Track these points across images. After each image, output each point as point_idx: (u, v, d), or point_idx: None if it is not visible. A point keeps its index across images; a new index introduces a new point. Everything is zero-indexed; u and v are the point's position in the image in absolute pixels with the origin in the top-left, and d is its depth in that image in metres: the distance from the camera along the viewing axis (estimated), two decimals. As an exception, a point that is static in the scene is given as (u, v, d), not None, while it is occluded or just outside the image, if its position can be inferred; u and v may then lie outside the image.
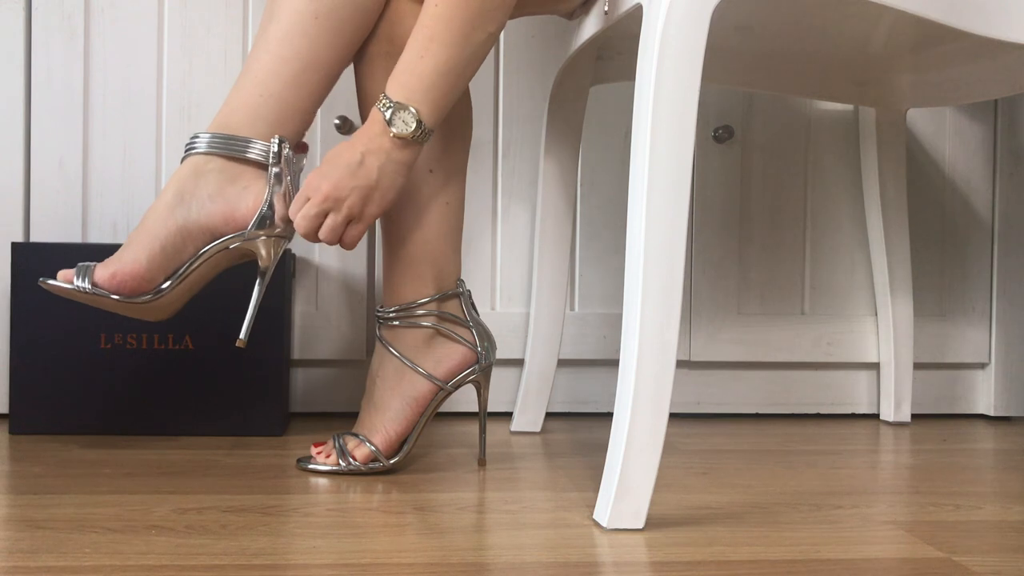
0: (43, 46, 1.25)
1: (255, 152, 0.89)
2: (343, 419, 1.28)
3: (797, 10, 1.05)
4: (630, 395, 0.75)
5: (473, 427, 1.25)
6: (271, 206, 0.89)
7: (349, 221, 0.88)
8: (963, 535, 0.77)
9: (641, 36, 0.77)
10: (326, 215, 0.87)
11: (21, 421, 1.13)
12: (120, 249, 0.89)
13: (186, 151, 0.90)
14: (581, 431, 1.23)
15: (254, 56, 0.92)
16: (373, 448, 0.95)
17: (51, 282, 0.90)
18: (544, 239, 1.21)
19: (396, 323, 0.97)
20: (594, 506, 0.80)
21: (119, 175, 1.27)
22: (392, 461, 0.96)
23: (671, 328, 0.75)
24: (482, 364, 0.99)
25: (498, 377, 1.33)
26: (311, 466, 0.97)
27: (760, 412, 1.40)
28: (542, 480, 0.95)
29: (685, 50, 0.75)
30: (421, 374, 0.96)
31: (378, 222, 0.98)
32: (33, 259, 1.12)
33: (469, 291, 1.01)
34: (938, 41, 1.14)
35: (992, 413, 1.41)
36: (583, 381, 1.36)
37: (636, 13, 0.80)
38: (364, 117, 0.98)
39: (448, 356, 0.98)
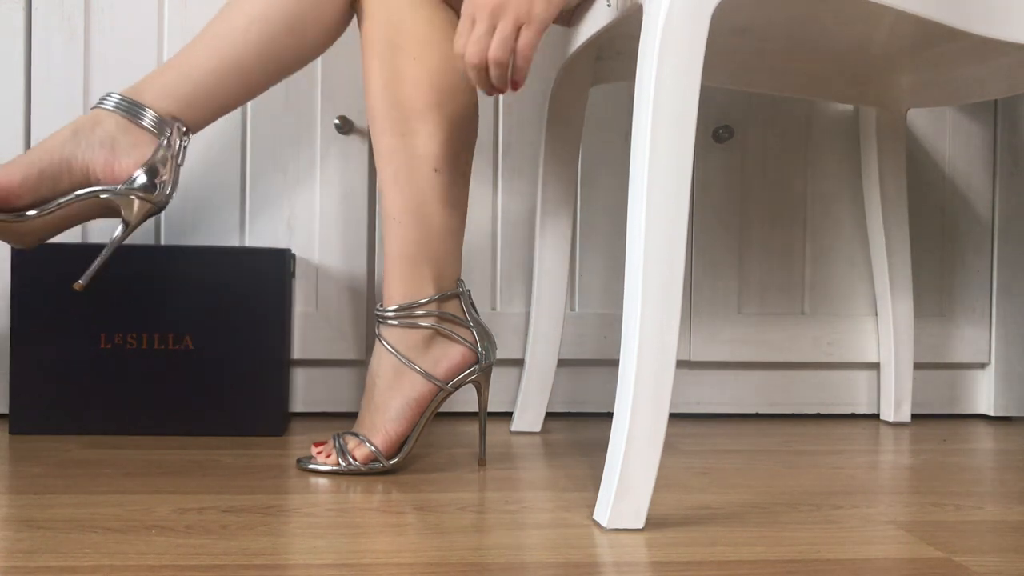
0: (43, 46, 1.25)
1: (149, 122, 0.93)
2: (343, 419, 1.28)
3: (797, 10, 1.05)
4: (630, 395, 0.75)
5: (473, 427, 1.25)
6: (150, 172, 0.92)
7: (518, 28, 0.83)
8: (963, 535, 0.77)
9: (641, 36, 0.77)
10: (494, 30, 0.83)
11: (21, 421, 1.13)
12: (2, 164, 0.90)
13: (98, 102, 0.93)
14: (581, 431, 1.23)
15: (194, 42, 0.96)
16: (373, 448, 0.95)
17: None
18: (544, 239, 1.21)
19: (395, 323, 0.97)
20: (594, 506, 0.80)
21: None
22: (392, 462, 0.95)
23: (671, 328, 0.75)
24: (482, 364, 0.99)
25: (498, 377, 1.33)
26: (311, 466, 0.97)
27: (760, 412, 1.40)
28: (542, 480, 0.95)
29: (685, 50, 0.75)
30: (421, 374, 0.96)
31: (379, 221, 0.98)
32: (33, 259, 1.12)
33: (469, 291, 1.01)
34: (938, 41, 1.14)
35: (992, 413, 1.41)
36: (583, 381, 1.36)
37: (636, 13, 0.80)
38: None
39: (447, 356, 0.98)
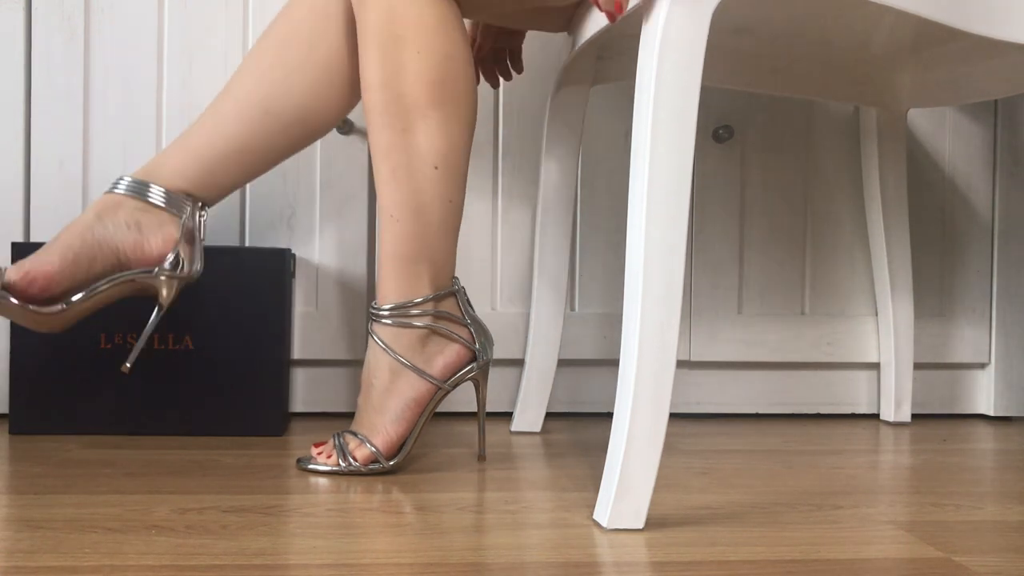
0: (43, 46, 1.25)
1: (167, 201, 0.96)
2: (343, 419, 1.28)
3: (797, 10, 1.05)
4: (630, 395, 0.75)
5: (472, 427, 1.25)
6: (178, 255, 0.96)
7: None
8: (963, 535, 0.77)
9: (641, 36, 0.77)
10: None
11: (21, 421, 1.13)
12: (41, 250, 0.92)
13: (111, 187, 0.96)
14: (581, 431, 1.23)
15: (202, 120, 0.98)
16: (374, 449, 0.95)
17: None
18: (544, 239, 1.21)
19: (389, 322, 0.96)
20: (594, 506, 0.80)
21: (119, 175, 1.26)
22: (392, 463, 0.95)
23: (671, 328, 0.75)
24: (480, 362, 0.99)
25: (498, 377, 1.33)
26: (311, 466, 0.96)
27: (760, 412, 1.40)
28: (542, 480, 0.95)
29: (685, 50, 0.75)
30: (418, 374, 0.96)
31: (379, 221, 0.98)
32: (33, 259, 1.12)
33: (464, 288, 1.00)
34: (938, 41, 1.14)
35: (992, 413, 1.41)
36: (583, 381, 1.36)
37: (636, 13, 0.80)
38: None
39: (444, 355, 0.97)
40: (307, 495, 0.87)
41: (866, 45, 1.17)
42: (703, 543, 0.73)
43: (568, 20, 1.09)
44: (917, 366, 1.40)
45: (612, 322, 1.35)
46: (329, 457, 0.96)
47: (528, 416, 1.22)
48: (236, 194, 1.28)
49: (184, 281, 0.97)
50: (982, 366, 1.43)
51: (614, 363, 1.35)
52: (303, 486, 0.90)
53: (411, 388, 0.96)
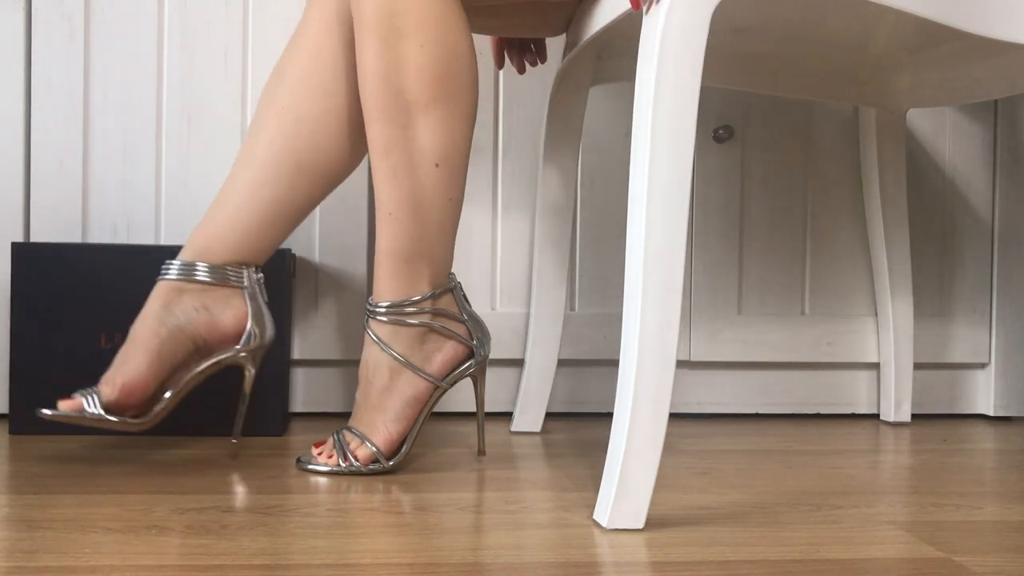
0: (43, 46, 1.25)
1: (223, 277, 0.97)
2: (343, 419, 1.28)
3: (797, 10, 1.05)
4: (630, 395, 0.75)
5: (471, 426, 1.25)
6: (256, 321, 0.98)
7: None
8: (963, 535, 0.77)
9: (641, 36, 0.77)
10: None
11: (21, 421, 1.13)
12: (115, 363, 0.93)
13: (166, 273, 0.96)
14: (581, 431, 1.23)
15: (235, 185, 0.97)
16: (375, 449, 0.94)
17: (52, 412, 0.92)
18: (544, 239, 1.21)
19: (385, 319, 0.95)
20: (594, 506, 0.80)
21: (119, 175, 1.27)
22: (391, 463, 0.95)
23: (671, 328, 0.75)
24: (477, 358, 0.98)
25: (498, 377, 1.33)
26: (311, 466, 0.96)
27: (760, 412, 1.40)
28: (542, 480, 0.95)
29: (685, 51, 0.75)
30: (417, 373, 0.95)
31: (376, 214, 0.97)
32: (33, 259, 1.12)
33: (460, 284, 1.00)
34: (938, 41, 1.14)
35: (992, 413, 1.41)
36: (583, 381, 1.36)
37: (635, 14, 0.80)
38: None
39: (442, 352, 0.97)
40: (307, 495, 0.87)
41: (866, 45, 1.17)
42: (703, 543, 0.73)
43: (567, 21, 1.09)
44: (917, 366, 1.40)
45: (612, 322, 1.35)
46: (330, 457, 0.96)
47: (528, 416, 1.22)
48: (236, 194, 1.28)
49: (264, 349, 0.99)
50: (982, 366, 1.43)
51: (614, 363, 1.35)
52: (303, 486, 0.90)
53: (410, 386, 0.95)
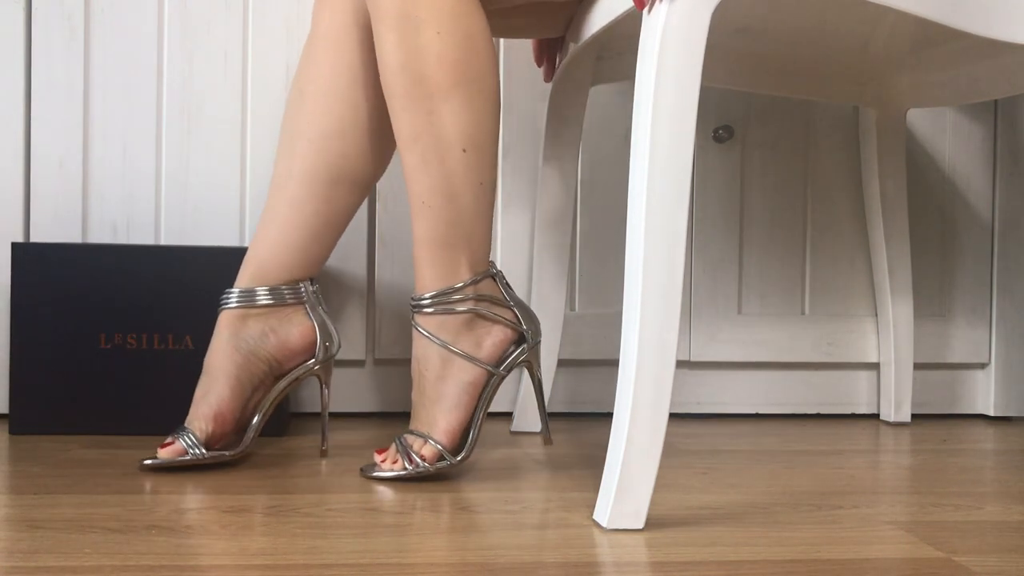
0: (43, 46, 1.25)
1: (292, 298, 1.00)
2: (343, 419, 1.28)
3: (797, 10, 1.05)
4: (630, 395, 0.75)
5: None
6: (323, 334, 1.00)
7: None
8: (963, 535, 0.77)
9: (641, 36, 0.77)
10: None
11: (21, 421, 1.13)
12: (196, 400, 0.97)
13: (227, 302, 0.98)
14: (581, 431, 1.23)
15: (276, 206, 0.99)
16: (439, 446, 0.92)
17: (154, 461, 0.94)
18: (544, 239, 1.21)
19: (431, 310, 0.94)
20: (594, 506, 0.80)
21: (119, 175, 1.27)
22: (459, 458, 0.93)
23: (671, 328, 0.75)
24: (529, 342, 0.97)
25: (498, 377, 1.33)
26: (376, 473, 0.94)
27: (760, 412, 1.40)
28: (542, 480, 0.95)
29: (685, 50, 0.75)
30: (469, 360, 0.94)
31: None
32: (33, 259, 1.12)
33: (501, 272, 0.99)
34: (938, 41, 1.14)
35: (992, 413, 1.41)
36: (583, 381, 1.36)
37: (636, 14, 0.80)
38: None
39: (490, 336, 0.95)
40: (307, 495, 0.87)
41: (866, 45, 1.17)
42: (703, 543, 0.73)
43: (567, 21, 1.09)
44: (917, 366, 1.40)
45: (612, 322, 1.35)
46: (395, 463, 0.94)
47: (528, 416, 1.22)
48: (235, 195, 1.28)
49: (333, 357, 1.02)
50: (982, 366, 1.43)
51: (614, 363, 1.35)
52: (303, 486, 0.90)
53: (464, 373, 0.94)
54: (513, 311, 0.97)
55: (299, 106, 1.00)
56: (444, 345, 0.93)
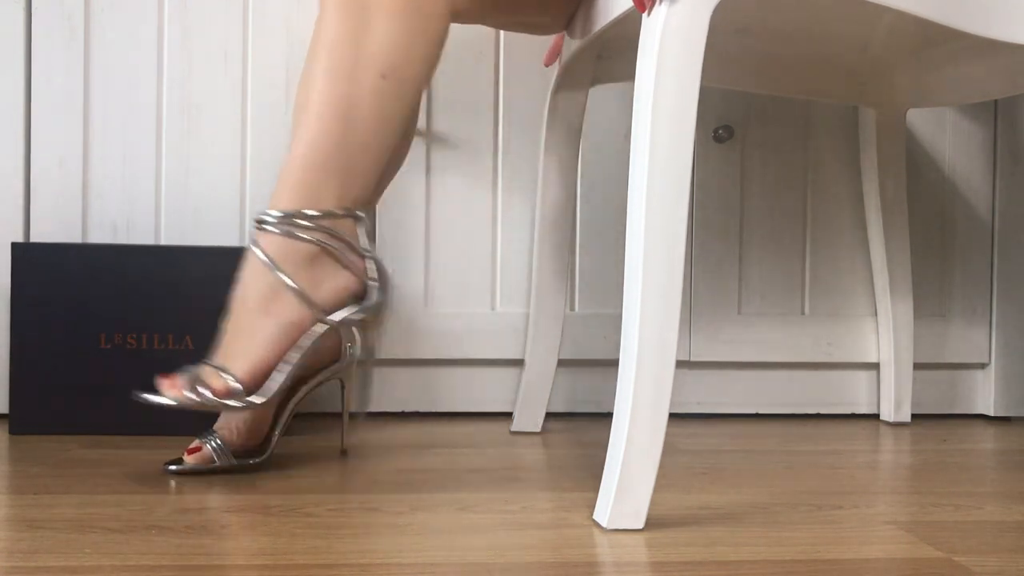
0: (43, 46, 1.25)
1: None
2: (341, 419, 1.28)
3: (797, 10, 1.05)
4: (630, 395, 0.75)
5: (472, 427, 1.25)
6: (347, 348, 0.93)
7: None
8: (963, 535, 0.77)
9: (641, 37, 0.77)
10: None
11: (21, 421, 1.13)
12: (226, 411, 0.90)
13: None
14: (581, 431, 1.23)
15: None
16: (233, 380, 0.83)
17: (178, 467, 0.91)
18: (544, 239, 1.21)
19: (276, 230, 0.85)
20: (594, 506, 0.80)
21: (119, 175, 1.27)
22: (253, 398, 0.84)
23: (671, 328, 0.75)
24: (370, 300, 0.89)
25: (498, 377, 1.33)
26: (145, 396, 0.83)
27: (760, 412, 1.40)
28: (542, 480, 0.95)
29: (685, 51, 0.75)
30: (301, 299, 0.85)
31: (294, 114, 0.90)
32: (33, 259, 1.12)
33: (372, 225, 0.91)
34: (938, 41, 1.14)
35: (992, 413, 1.41)
36: (583, 381, 1.36)
37: (636, 14, 0.80)
38: None
39: (333, 280, 0.87)
40: (307, 495, 0.87)
41: (866, 45, 1.17)
42: (703, 543, 0.73)
43: (568, 17, 1.09)
44: (917, 366, 1.40)
45: (612, 322, 1.35)
46: (174, 388, 0.83)
47: (528, 416, 1.22)
48: (236, 194, 1.28)
49: (355, 359, 0.94)
50: (982, 366, 1.43)
51: (614, 363, 1.35)
52: (303, 486, 0.90)
53: (290, 311, 0.85)
54: (365, 264, 0.89)
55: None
56: (279, 275, 0.85)
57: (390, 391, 1.33)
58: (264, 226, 0.86)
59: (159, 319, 1.13)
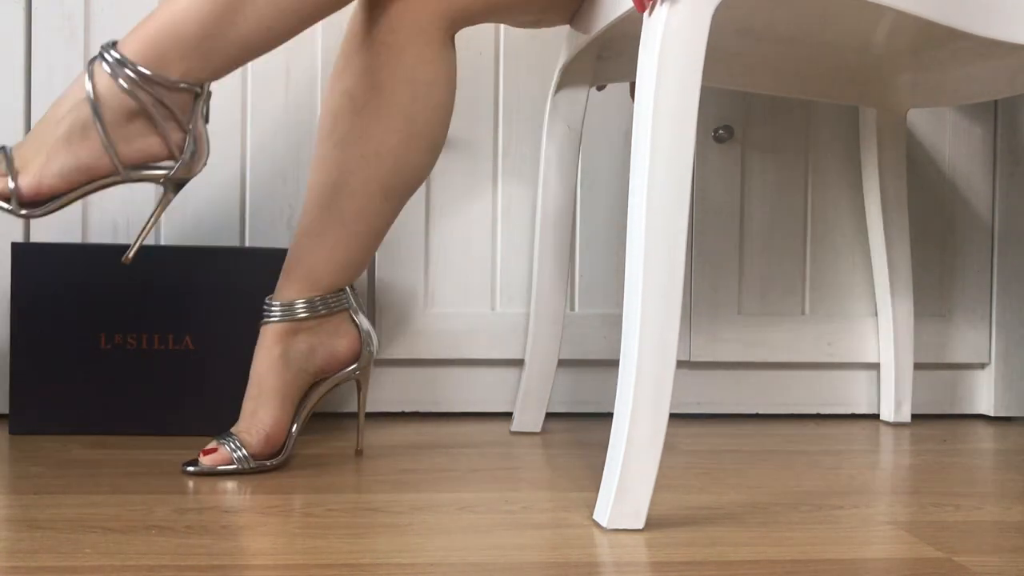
0: (43, 46, 1.25)
1: (337, 306, 0.98)
2: (344, 418, 1.28)
3: (797, 11, 1.05)
4: (630, 395, 0.75)
5: (472, 427, 1.25)
6: (364, 347, 1.01)
7: None
8: (963, 535, 0.77)
9: (642, 37, 0.77)
10: None
11: (21, 421, 1.13)
12: (248, 413, 0.96)
13: (265, 318, 0.97)
14: (581, 431, 1.23)
15: (326, 220, 0.96)
16: (13, 186, 0.83)
17: (195, 468, 0.93)
18: (544, 239, 1.21)
19: (108, 71, 0.83)
20: (594, 506, 0.80)
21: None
22: (25, 211, 0.84)
23: (671, 328, 0.75)
24: (177, 168, 0.88)
25: (498, 377, 1.33)
26: None
27: (760, 412, 1.40)
28: (542, 480, 0.95)
29: (686, 51, 0.75)
30: (105, 148, 0.84)
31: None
32: (33, 259, 1.12)
33: (210, 99, 0.89)
34: (938, 41, 1.14)
35: (992, 413, 1.41)
36: (583, 381, 1.36)
37: (634, 15, 0.80)
38: None
39: (145, 140, 0.86)
40: (307, 495, 0.87)
41: (866, 46, 1.17)
42: (703, 543, 0.73)
43: (571, 13, 1.08)
44: (917, 366, 1.40)
45: (612, 322, 1.35)
46: None
47: (528, 416, 1.22)
48: (236, 195, 1.28)
49: (372, 359, 1.02)
50: (982, 366, 1.43)
51: (614, 363, 1.34)
52: (303, 486, 0.90)
53: (90, 153, 0.84)
54: (185, 135, 0.87)
55: (350, 115, 0.95)
56: (96, 112, 0.84)
57: (390, 391, 1.33)
58: (107, 59, 0.85)
59: (159, 319, 1.13)
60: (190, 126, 0.87)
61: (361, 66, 0.94)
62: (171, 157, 0.87)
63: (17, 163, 0.85)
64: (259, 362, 0.97)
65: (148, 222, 0.92)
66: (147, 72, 0.84)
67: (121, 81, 0.84)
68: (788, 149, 1.39)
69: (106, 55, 0.85)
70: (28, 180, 0.84)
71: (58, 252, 1.13)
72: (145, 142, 0.86)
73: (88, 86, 0.84)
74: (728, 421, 1.35)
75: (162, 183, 0.89)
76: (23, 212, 0.85)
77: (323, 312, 0.97)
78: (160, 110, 0.85)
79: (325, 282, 0.98)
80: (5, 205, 0.84)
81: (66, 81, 1.25)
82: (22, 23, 1.25)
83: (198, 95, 0.87)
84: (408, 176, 0.98)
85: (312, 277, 0.97)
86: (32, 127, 0.88)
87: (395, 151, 0.95)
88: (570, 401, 1.36)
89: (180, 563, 0.66)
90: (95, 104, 0.84)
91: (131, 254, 0.93)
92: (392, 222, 1.01)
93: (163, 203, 0.91)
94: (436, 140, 0.98)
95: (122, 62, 0.84)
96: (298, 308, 0.97)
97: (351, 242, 0.98)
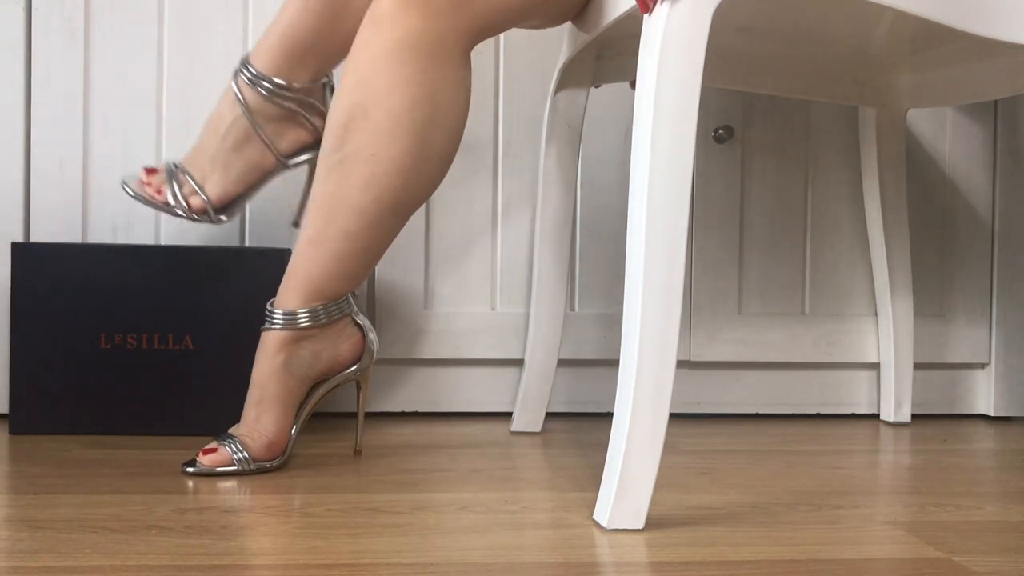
0: (43, 46, 1.25)
1: (337, 312, 0.99)
2: (344, 419, 1.28)
3: (797, 10, 1.05)
4: (630, 395, 0.75)
5: (474, 427, 1.25)
6: (367, 348, 1.02)
7: None
8: (963, 535, 0.77)
9: (642, 37, 0.77)
10: None
11: (21, 421, 1.13)
12: (251, 418, 0.96)
13: (267, 324, 0.97)
14: (581, 431, 1.23)
15: (331, 232, 0.95)
16: (207, 199, 0.99)
17: (194, 469, 0.94)
18: (544, 239, 1.21)
19: (262, 91, 0.99)
20: (594, 506, 0.80)
21: (119, 175, 1.26)
22: (223, 216, 1.01)
23: (671, 328, 0.75)
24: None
25: (498, 377, 1.33)
26: (128, 187, 1.01)
27: (760, 412, 1.40)
28: (542, 480, 0.95)
29: (686, 51, 0.75)
30: (267, 147, 1.01)
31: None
32: (33, 259, 1.12)
33: (333, 83, 1.03)
34: (938, 41, 1.14)
35: (992, 413, 1.41)
36: (583, 381, 1.36)
37: (636, 13, 0.80)
38: None
39: (294, 132, 1.02)
40: (307, 495, 0.87)
41: (866, 45, 1.17)
42: (703, 543, 0.73)
43: (575, 11, 1.08)
44: (917, 366, 1.40)
45: (612, 322, 1.35)
46: (158, 192, 1.00)
47: (528, 416, 1.22)
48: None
49: (372, 361, 1.03)
50: (982, 366, 1.43)
51: (614, 363, 1.35)
52: (303, 486, 0.90)
53: (258, 154, 1.01)
54: (324, 119, 1.01)
55: (362, 133, 0.92)
56: (253, 122, 1.00)
57: (390, 391, 1.33)
58: (245, 75, 1.00)
59: (159, 319, 1.13)
60: (325, 109, 1.01)
61: (375, 82, 0.91)
62: (318, 141, 1.01)
63: (197, 179, 1.00)
64: (261, 368, 0.96)
65: (302, 199, 1.09)
66: (281, 82, 1.00)
67: (261, 91, 1.00)
68: (788, 149, 1.39)
69: (243, 71, 1.00)
70: (216, 191, 1.00)
71: (58, 252, 1.13)
72: (295, 133, 1.03)
73: (241, 100, 1.00)
74: (728, 421, 1.35)
75: (311, 162, 1.03)
76: (221, 218, 1.01)
77: (324, 321, 0.97)
78: (302, 106, 1.01)
79: (328, 291, 0.97)
80: (206, 218, 0.98)
81: (66, 81, 1.25)
82: (22, 23, 1.25)
83: (326, 83, 1.02)
84: (420, 192, 0.97)
85: (315, 286, 0.97)
86: (193, 145, 1.03)
87: (408, 171, 0.93)
88: (570, 401, 1.36)
89: (180, 563, 0.66)
90: (250, 116, 1.00)
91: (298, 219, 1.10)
92: (398, 233, 1.00)
93: (310, 180, 1.05)
94: (449, 157, 0.97)
95: (258, 76, 1.00)
96: (300, 318, 0.96)
97: (356, 254, 0.97)
